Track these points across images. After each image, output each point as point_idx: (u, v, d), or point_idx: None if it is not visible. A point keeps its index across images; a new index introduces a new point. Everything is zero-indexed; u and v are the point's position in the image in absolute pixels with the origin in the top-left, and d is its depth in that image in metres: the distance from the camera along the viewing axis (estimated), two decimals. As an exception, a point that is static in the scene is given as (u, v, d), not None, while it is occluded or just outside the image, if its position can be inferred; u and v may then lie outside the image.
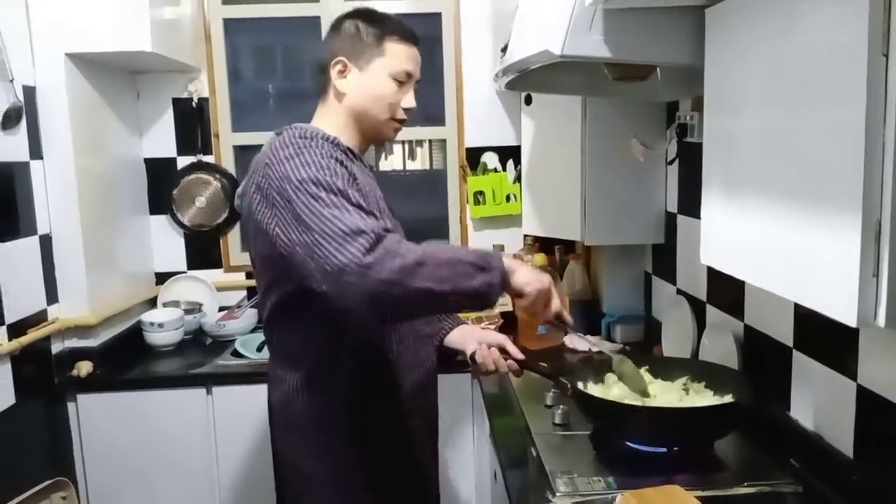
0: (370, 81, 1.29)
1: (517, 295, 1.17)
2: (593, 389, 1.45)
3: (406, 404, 1.35)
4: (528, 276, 1.16)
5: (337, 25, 1.33)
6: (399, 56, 1.29)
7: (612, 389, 1.44)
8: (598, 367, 1.52)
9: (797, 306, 1.33)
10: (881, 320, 0.80)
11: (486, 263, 1.09)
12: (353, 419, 1.29)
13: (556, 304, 1.22)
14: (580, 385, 1.43)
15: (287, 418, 1.32)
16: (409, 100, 1.32)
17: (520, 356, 1.42)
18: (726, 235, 1.15)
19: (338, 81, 1.30)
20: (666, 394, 1.41)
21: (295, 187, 1.11)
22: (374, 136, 1.35)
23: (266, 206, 1.16)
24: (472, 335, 1.48)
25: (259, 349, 2.29)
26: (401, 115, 1.32)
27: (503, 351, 1.43)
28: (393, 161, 2.63)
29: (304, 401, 1.28)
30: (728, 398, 1.36)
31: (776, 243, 0.98)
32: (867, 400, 1.15)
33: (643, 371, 1.46)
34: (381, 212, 1.26)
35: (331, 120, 1.31)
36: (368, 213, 1.09)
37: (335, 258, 1.03)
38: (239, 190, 1.32)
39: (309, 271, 1.08)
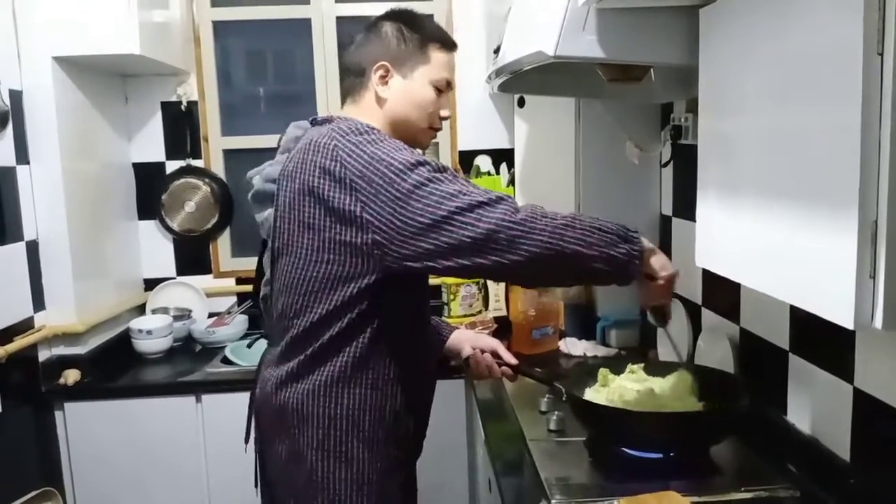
0: (413, 89, 1.26)
1: (650, 277, 1.16)
2: (588, 394, 1.43)
3: (419, 413, 1.33)
4: (664, 260, 1.17)
5: (375, 28, 1.28)
6: (441, 64, 1.28)
7: (603, 392, 1.42)
8: (592, 371, 1.51)
9: (793, 309, 1.32)
10: (878, 322, 0.78)
11: (628, 236, 1.10)
12: (375, 422, 1.24)
13: (671, 296, 1.22)
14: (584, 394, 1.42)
15: (303, 417, 1.23)
16: (445, 108, 1.31)
17: (513, 361, 1.41)
18: (722, 238, 1.14)
19: (379, 87, 1.26)
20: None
21: (398, 170, 1.08)
22: (410, 143, 1.28)
23: (344, 191, 1.10)
24: (466, 339, 1.47)
25: (249, 346, 2.25)
26: (438, 123, 1.31)
27: (496, 356, 1.41)
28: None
29: (330, 397, 1.22)
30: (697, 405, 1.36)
31: (772, 245, 0.97)
32: (864, 403, 1.14)
33: (638, 368, 1.46)
34: None
35: (371, 120, 1.25)
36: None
37: (479, 226, 1.03)
38: (270, 173, 1.25)
39: (430, 249, 1.05)
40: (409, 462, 1.34)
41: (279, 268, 1.23)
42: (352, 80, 1.30)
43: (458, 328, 1.54)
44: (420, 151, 1.14)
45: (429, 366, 1.37)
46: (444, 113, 1.31)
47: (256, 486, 1.40)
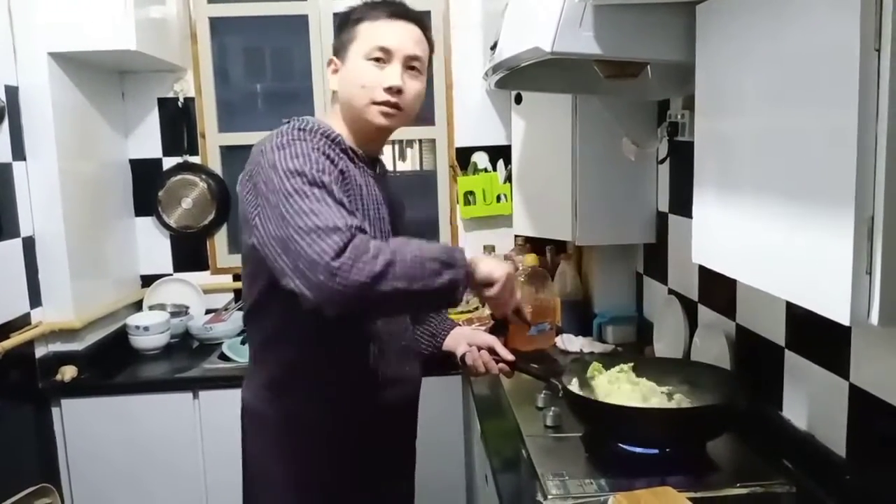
0: (349, 69, 1.23)
1: (486, 284, 1.15)
2: (583, 389, 1.43)
3: (380, 419, 1.29)
4: (492, 264, 1.16)
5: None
6: (369, 34, 1.21)
7: (598, 387, 1.43)
8: (587, 367, 1.51)
9: (789, 305, 1.32)
10: (874, 318, 0.79)
11: (451, 259, 1.08)
12: (322, 426, 1.25)
13: (517, 295, 1.21)
14: (571, 385, 1.42)
15: (255, 416, 1.30)
16: (388, 77, 1.20)
17: (510, 357, 1.41)
18: (718, 234, 1.14)
19: (330, 80, 1.28)
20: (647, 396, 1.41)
21: (280, 178, 1.08)
22: (366, 126, 1.25)
23: (253, 194, 1.14)
24: (462, 336, 1.47)
25: (243, 342, 2.27)
26: (381, 96, 1.20)
27: (493, 352, 1.41)
28: (383, 162, 2.61)
29: (271, 400, 1.26)
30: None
31: (768, 241, 0.97)
32: (860, 399, 1.14)
33: (627, 368, 1.46)
34: (367, 216, 1.22)
35: (334, 119, 1.28)
36: (349, 212, 1.07)
37: (306, 254, 1.01)
38: (240, 177, 1.30)
39: (280, 267, 1.05)
40: (371, 467, 1.30)
41: None
42: None
43: (458, 324, 1.54)
44: (320, 160, 1.10)
45: (389, 372, 1.29)
46: (387, 83, 1.20)
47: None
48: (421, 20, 1.27)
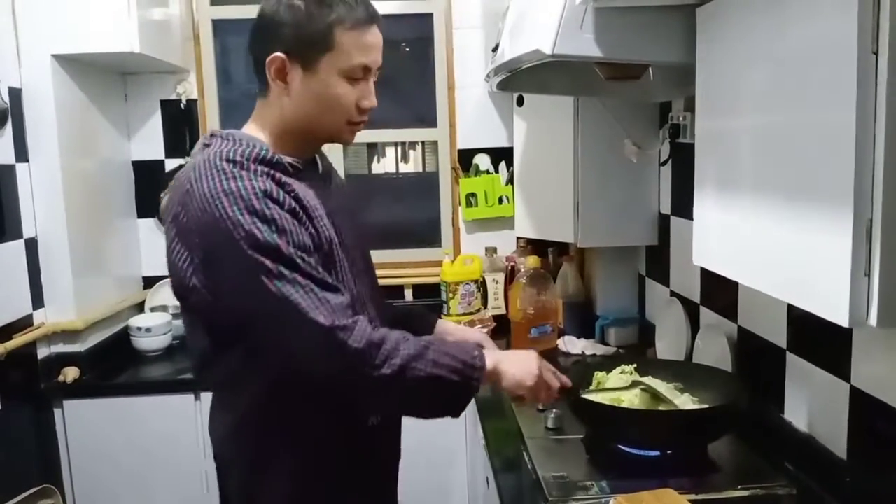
0: (319, 83, 1.03)
1: (515, 395, 1.15)
2: (586, 394, 1.43)
3: (362, 442, 1.15)
4: (520, 370, 1.12)
5: (274, 10, 1.03)
6: (352, 47, 1.02)
7: (601, 392, 1.43)
8: (590, 371, 1.51)
9: (790, 307, 1.32)
10: (873, 320, 0.79)
11: (465, 380, 1.03)
12: (298, 457, 1.10)
13: (553, 382, 1.18)
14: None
15: (228, 460, 1.15)
16: (367, 96, 1.07)
17: None
18: (719, 236, 1.15)
19: (276, 83, 1.04)
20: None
21: (229, 242, 0.94)
22: (327, 140, 1.13)
23: (182, 244, 0.99)
24: (447, 333, 1.36)
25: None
26: (357, 116, 1.07)
27: None
28: (386, 164, 2.62)
29: (243, 442, 1.10)
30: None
31: (769, 243, 0.97)
32: (860, 401, 1.14)
33: (632, 369, 1.46)
34: (330, 236, 1.07)
35: (269, 124, 1.08)
36: (322, 285, 0.97)
37: (311, 348, 0.96)
38: (161, 205, 1.22)
39: (265, 345, 1.00)
40: (352, 489, 1.15)
41: None
42: (257, 72, 1.09)
43: (439, 318, 1.42)
44: (267, 211, 0.96)
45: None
46: (365, 103, 1.06)
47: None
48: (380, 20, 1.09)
